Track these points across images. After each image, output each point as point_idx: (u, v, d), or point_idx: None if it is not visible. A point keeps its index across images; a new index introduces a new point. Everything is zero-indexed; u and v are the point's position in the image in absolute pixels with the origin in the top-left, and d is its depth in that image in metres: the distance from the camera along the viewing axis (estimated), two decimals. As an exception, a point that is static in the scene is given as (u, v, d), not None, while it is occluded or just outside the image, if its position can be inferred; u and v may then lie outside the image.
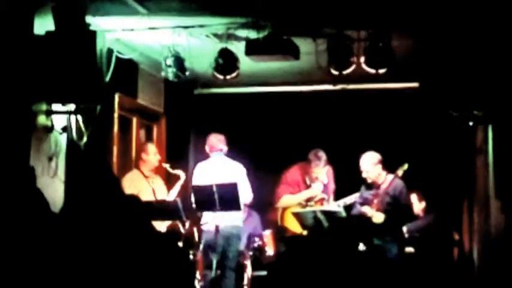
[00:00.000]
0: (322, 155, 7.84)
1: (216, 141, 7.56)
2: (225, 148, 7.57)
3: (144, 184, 7.55)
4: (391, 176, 7.36)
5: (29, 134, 6.16)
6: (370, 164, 7.34)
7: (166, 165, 8.02)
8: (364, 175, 7.39)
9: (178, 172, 7.91)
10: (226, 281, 7.34)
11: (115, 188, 5.17)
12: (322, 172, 7.87)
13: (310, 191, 7.91)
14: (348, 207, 7.65)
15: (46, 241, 4.67)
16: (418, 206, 8.70)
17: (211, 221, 7.21)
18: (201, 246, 7.47)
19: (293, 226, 7.74)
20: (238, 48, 7.10)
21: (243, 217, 7.60)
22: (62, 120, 6.66)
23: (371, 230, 7.27)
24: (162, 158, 8.53)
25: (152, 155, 7.70)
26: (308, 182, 7.95)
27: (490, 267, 7.71)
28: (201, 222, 7.41)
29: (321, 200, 7.85)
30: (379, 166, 7.36)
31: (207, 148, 7.60)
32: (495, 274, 7.46)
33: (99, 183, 5.09)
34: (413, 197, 8.50)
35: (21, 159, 6.04)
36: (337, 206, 7.68)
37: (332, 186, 8.05)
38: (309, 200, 7.92)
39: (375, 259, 7.22)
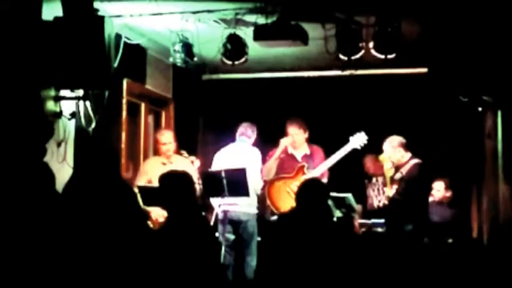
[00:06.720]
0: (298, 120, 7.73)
1: (248, 130, 7.60)
2: (253, 137, 7.60)
3: (161, 170, 7.50)
4: (414, 161, 7.30)
5: (37, 120, 6.17)
6: (389, 147, 7.32)
7: (184, 152, 7.99)
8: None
9: (193, 158, 7.88)
10: (246, 266, 7.35)
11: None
12: (298, 133, 7.67)
13: (279, 147, 7.60)
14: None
15: (54, 222, 4.68)
16: (443, 194, 8.55)
17: (222, 207, 7.21)
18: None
19: (280, 202, 7.54)
20: (246, 33, 7.08)
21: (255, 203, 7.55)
22: (70, 106, 6.68)
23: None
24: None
25: (168, 144, 7.57)
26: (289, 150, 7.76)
27: (499, 253, 7.71)
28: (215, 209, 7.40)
29: (302, 168, 7.60)
30: (400, 149, 7.30)
31: (237, 134, 7.63)
32: (504, 260, 7.45)
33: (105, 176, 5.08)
34: (441, 185, 8.47)
35: (31, 146, 6.05)
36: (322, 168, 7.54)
37: (322, 168, 7.62)
38: (286, 166, 7.64)
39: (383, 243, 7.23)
